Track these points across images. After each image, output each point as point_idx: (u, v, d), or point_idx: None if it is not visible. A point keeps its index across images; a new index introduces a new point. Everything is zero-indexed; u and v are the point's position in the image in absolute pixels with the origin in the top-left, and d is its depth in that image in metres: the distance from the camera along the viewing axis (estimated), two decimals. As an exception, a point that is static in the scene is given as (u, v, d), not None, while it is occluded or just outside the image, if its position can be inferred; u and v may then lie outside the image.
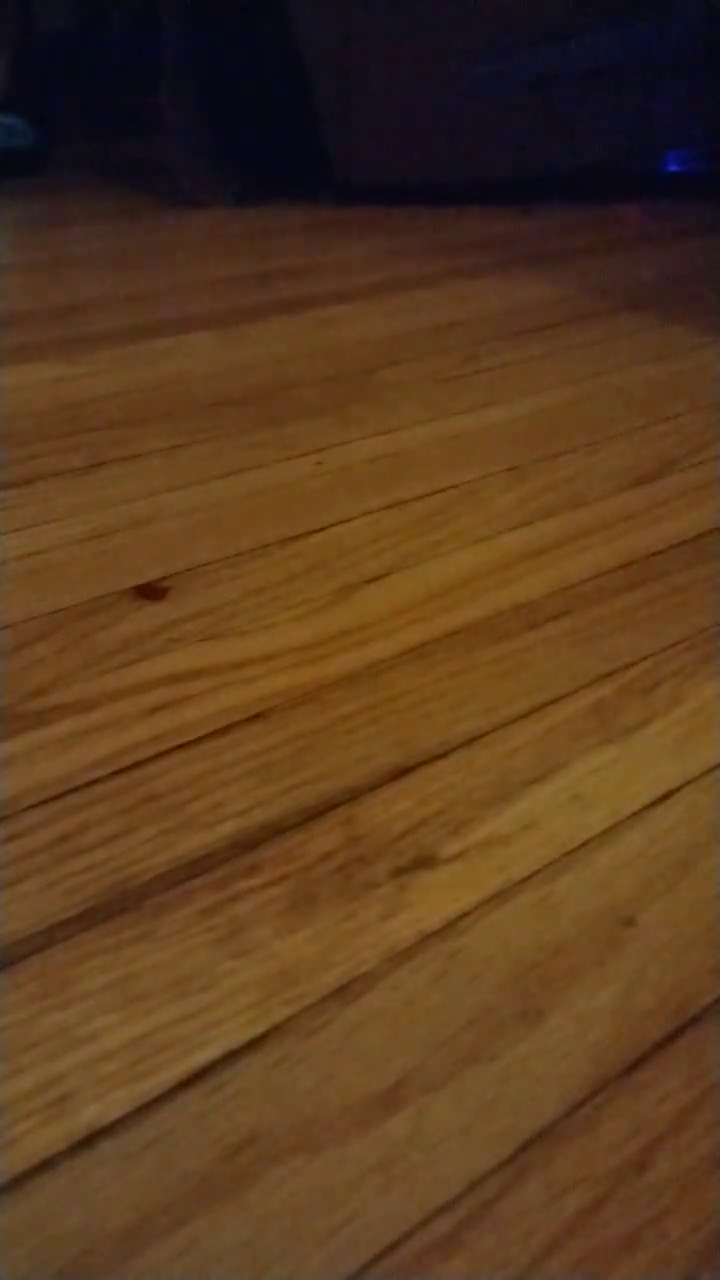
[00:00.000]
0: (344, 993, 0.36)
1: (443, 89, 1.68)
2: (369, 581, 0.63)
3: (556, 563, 0.64)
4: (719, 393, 0.91)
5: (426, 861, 0.42)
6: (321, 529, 0.69)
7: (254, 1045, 0.35)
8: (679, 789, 0.45)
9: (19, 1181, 0.31)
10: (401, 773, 0.47)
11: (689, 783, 0.46)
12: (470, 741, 0.49)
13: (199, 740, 0.49)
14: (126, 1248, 0.29)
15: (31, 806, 0.45)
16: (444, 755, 0.48)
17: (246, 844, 0.43)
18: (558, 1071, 0.34)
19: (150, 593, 0.62)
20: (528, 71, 1.65)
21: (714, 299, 1.20)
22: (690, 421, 0.85)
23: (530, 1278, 0.29)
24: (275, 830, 0.44)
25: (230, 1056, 0.34)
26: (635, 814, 0.44)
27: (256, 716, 0.51)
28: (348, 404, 0.90)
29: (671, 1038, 0.35)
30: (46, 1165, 0.31)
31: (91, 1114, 0.33)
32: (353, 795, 0.45)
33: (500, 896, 0.40)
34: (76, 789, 0.46)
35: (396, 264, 1.41)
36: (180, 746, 0.49)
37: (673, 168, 1.81)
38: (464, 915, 0.39)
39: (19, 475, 0.78)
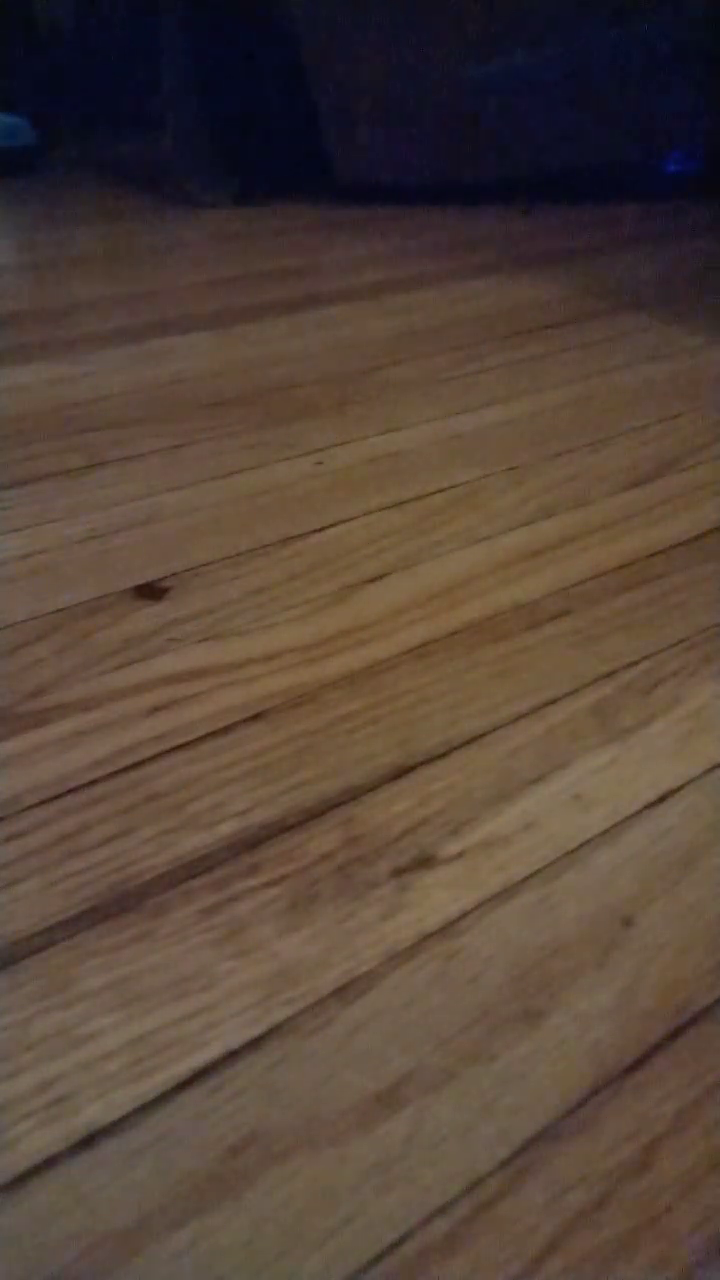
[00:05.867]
0: (344, 993, 0.36)
1: (442, 89, 1.68)
2: (369, 581, 0.63)
3: (556, 563, 0.64)
4: (719, 393, 0.91)
5: (426, 861, 0.42)
6: (321, 529, 0.69)
7: (254, 1045, 0.35)
8: (679, 789, 0.45)
9: (19, 1181, 0.31)
10: (401, 773, 0.47)
11: (689, 783, 0.46)
12: (470, 741, 0.49)
13: (199, 740, 0.49)
14: (126, 1248, 0.29)
15: (31, 806, 0.45)
16: (444, 755, 0.48)
17: (246, 844, 0.43)
18: (558, 1071, 0.34)
19: (150, 593, 0.62)
20: (527, 72, 1.65)
21: (714, 299, 1.20)
22: (690, 421, 0.85)
23: (530, 1278, 0.29)
24: (275, 830, 0.44)
25: (230, 1056, 0.34)
26: (635, 814, 0.44)
27: (256, 716, 0.51)
28: (348, 404, 0.90)
29: (671, 1038, 0.35)
30: (46, 1165, 0.31)
31: (91, 1114, 0.33)
32: (353, 795, 0.45)
33: (500, 896, 0.40)
34: (76, 789, 0.46)
35: (396, 264, 1.41)
36: (180, 746, 0.49)
37: (673, 168, 1.81)
38: (464, 915, 0.39)
39: (19, 475, 0.78)
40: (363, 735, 0.49)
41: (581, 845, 0.42)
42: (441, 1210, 0.30)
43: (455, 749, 0.48)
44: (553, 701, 0.51)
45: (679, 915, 0.39)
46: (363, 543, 0.67)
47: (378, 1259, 0.29)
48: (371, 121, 1.74)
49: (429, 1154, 0.31)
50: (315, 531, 0.69)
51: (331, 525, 0.69)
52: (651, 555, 0.64)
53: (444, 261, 1.41)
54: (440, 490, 0.74)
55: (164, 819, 0.44)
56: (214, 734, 0.50)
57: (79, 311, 1.23)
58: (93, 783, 0.47)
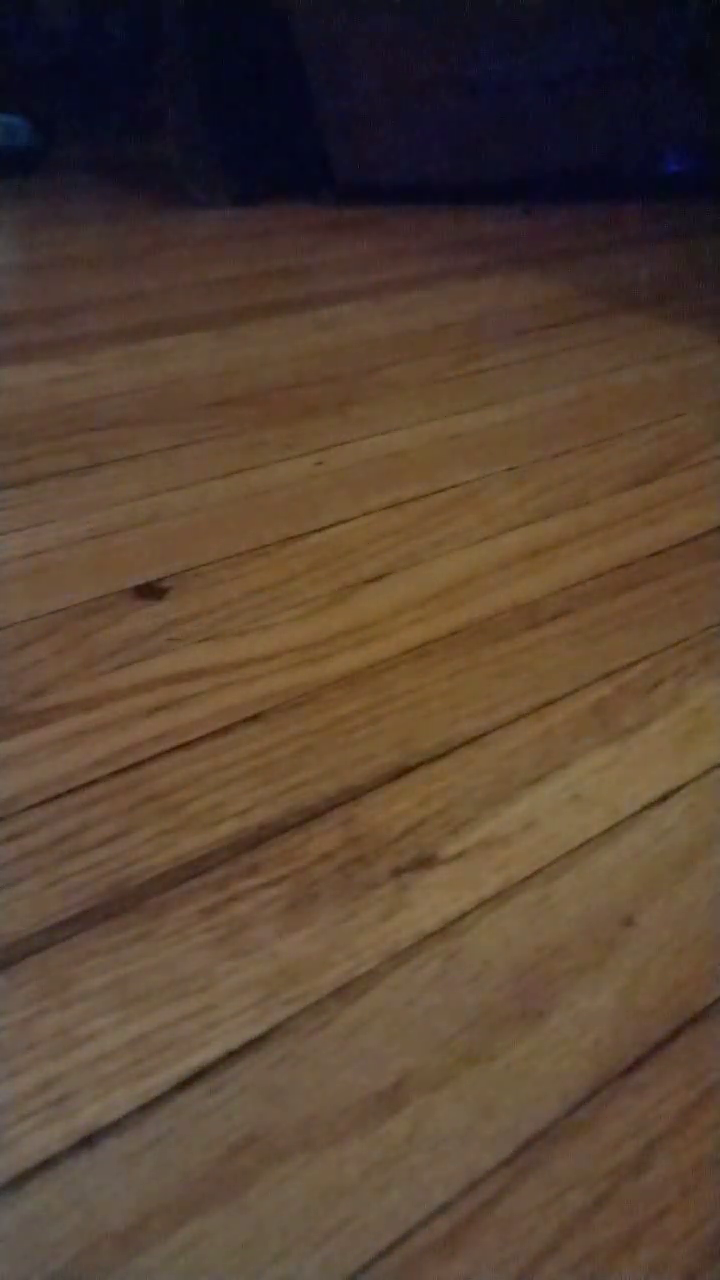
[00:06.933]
0: (344, 993, 0.36)
1: (442, 89, 1.68)
2: (369, 581, 0.62)
3: (556, 563, 0.64)
4: (719, 393, 0.91)
5: (426, 861, 0.42)
6: (321, 529, 0.69)
7: (254, 1045, 0.35)
8: (679, 789, 0.45)
9: (19, 1181, 0.31)
10: (401, 773, 0.47)
11: (689, 783, 0.46)
12: (470, 741, 0.49)
13: (199, 740, 0.49)
14: (126, 1248, 0.29)
15: (31, 806, 0.45)
16: (444, 755, 0.48)
17: (246, 844, 0.43)
18: (558, 1071, 0.34)
19: (150, 593, 0.62)
20: (526, 72, 1.65)
21: (714, 299, 1.20)
22: (690, 421, 0.85)
23: (530, 1278, 0.29)
24: (275, 830, 0.44)
25: (230, 1056, 0.34)
26: (635, 814, 0.44)
27: (256, 716, 0.51)
28: (348, 404, 0.90)
29: (671, 1038, 0.35)
30: (46, 1165, 0.31)
31: (91, 1114, 0.33)
32: (353, 795, 0.45)
33: (500, 896, 0.40)
34: (76, 789, 0.46)
35: (396, 264, 1.41)
36: (180, 746, 0.49)
37: (673, 168, 1.81)
38: (464, 915, 0.39)
39: (19, 475, 0.78)
40: (363, 735, 0.49)
41: (581, 845, 0.42)
42: (441, 1210, 0.30)
43: (455, 749, 0.48)
44: (553, 701, 0.51)
45: (679, 915, 0.39)
46: (363, 543, 0.67)
47: (378, 1259, 0.29)
48: (371, 122, 1.74)
49: (429, 1154, 0.31)
50: (315, 531, 0.69)
51: (331, 525, 0.69)
52: (651, 555, 0.64)
53: (444, 261, 1.41)
54: (440, 490, 0.74)
55: (164, 819, 0.44)
56: (214, 734, 0.50)
57: (79, 311, 1.23)
58: (93, 783, 0.47)
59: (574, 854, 0.42)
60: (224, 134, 1.83)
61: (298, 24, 1.71)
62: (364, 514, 0.71)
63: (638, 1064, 0.34)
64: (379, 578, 0.63)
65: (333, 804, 0.45)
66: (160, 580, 0.63)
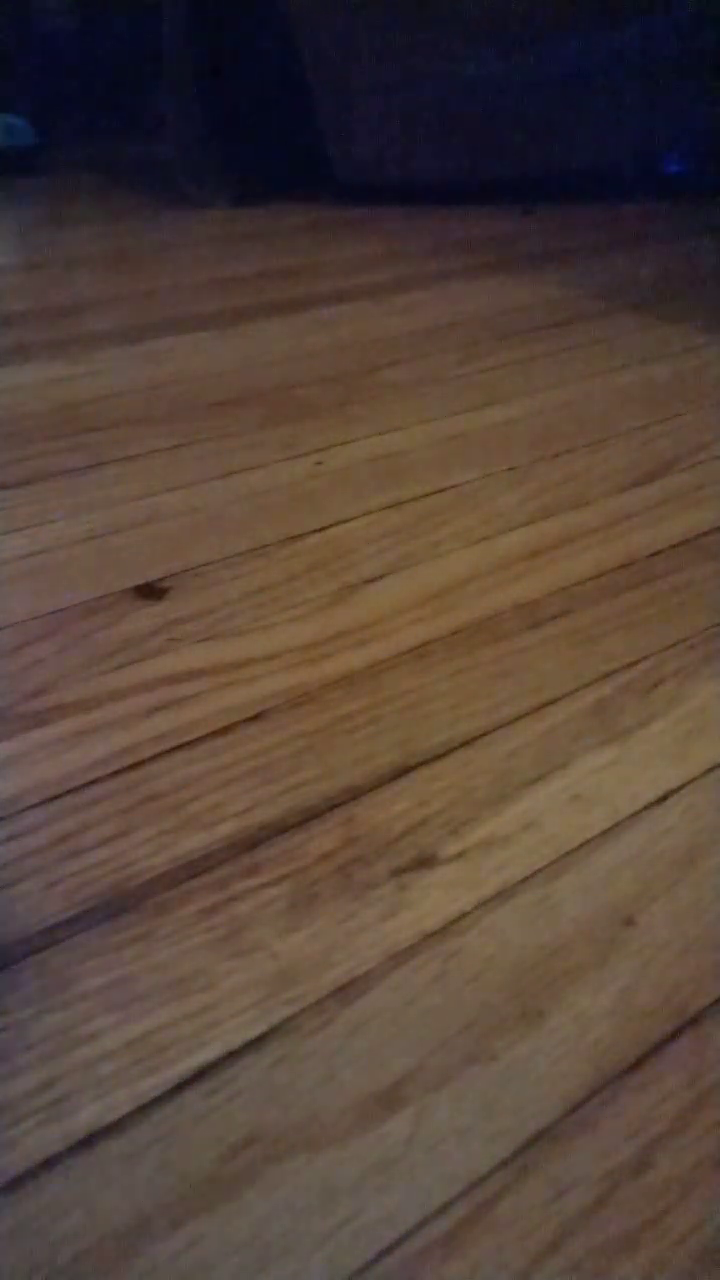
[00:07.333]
0: (344, 993, 0.36)
1: (442, 89, 1.68)
2: (369, 581, 0.62)
3: (556, 563, 0.64)
4: (719, 393, 0.91)
5: (426, 861, 0.42)
6: (321, 529, 0.69)
7: (254, 1045, 0.35)
8: (679, 789, 0.45)
9: (19, 1181, 0.31)
10: (401, 773, 0.47)
11: (689, 783, 0.46)
12: (470, 741, 0.49)
13: (199, 740, 0.49)
14: (126, 1248, 0.29)
15: (31, 806, 0.45)
16: (444, 755, 0.48)
17: (246, 844, 0.43)
18: (558, 1071, 0.34)
19: (150, 593, 0.62)
20: (526, 72, 1.65)
21: (714, 299, 1.20)
22: (690, 421, 0.85)
23: (530, 1278, 0.29)
24: (275, 830, 0.44)
25: (230, 1056, 0.34)
26: (635, 814, 0.44)
27: (256, 716, 0.51)
28: (348, 404, 0.90)
29: (671, 1038, 0.35)
30: (46, 1165, 0.31)
31: (91, 1114, 0.33)
32: (353, 795, 0.45)
33: (500, 896, 0.40)
34: (76, 789, 0.46)
35: (396, 264, 1.41)
36: (180, 746, 0.49)
37: (672, 168, 1.81)
38: (464, 915, 0.39)
39: (19, 475, 0.78)
40: (363, 735, 0.49)
41: (581, 845, 0.42)
42: (441, 1210, 0.30)
43: (455, 749, 0.48)
44: (553, 701, 0.51)
45: (679, 915, 0.39)
46: (363, 543, 0.67)
47: (378, 1259, 0.29)
48: (371, 121, 1.74)
49: (429, 1154, 0.31)
50: (315, 531, 0.69)
51: (331, 525, 0.69)
52: (651, 555, 0.64)
53: (444, 261, 1.41)
54: (440, 490, 0.74)
55: (164, 819, 0.44)
56: (214, 734, 0.50)
57: (79, 311, 1.23)
58: (93, 783, 0.47)
59: (574, 854, 0.42)
60: (224, 134, 1.83)
61: (298, 24, 1.71)
62: (364, 514, 0.71)
63: (638, 1064, 0.34)
64: (379, 578, 0.63)
65: (333, 804, 0.45)
66: (160, 580, 0.63)
